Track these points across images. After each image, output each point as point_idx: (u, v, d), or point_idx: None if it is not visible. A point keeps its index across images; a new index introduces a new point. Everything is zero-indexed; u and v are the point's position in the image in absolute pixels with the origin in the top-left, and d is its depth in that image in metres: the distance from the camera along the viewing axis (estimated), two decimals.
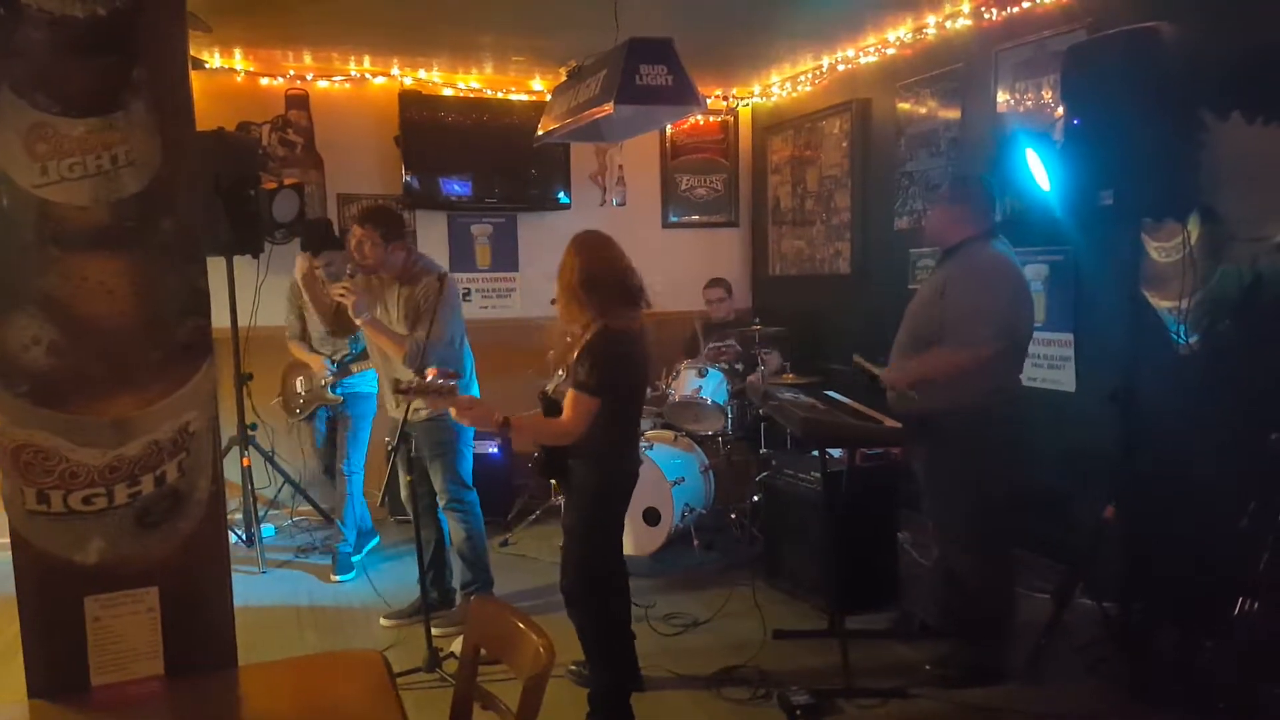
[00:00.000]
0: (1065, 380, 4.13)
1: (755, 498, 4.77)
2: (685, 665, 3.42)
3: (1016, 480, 3.36)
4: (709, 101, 6.36)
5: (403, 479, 3.76)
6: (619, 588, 3.05)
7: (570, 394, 2.80)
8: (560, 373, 2.95)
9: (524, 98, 5.94)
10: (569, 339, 2.85)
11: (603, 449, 2.87)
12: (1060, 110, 3.70)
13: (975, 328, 3.12)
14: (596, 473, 2.90)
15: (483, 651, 1.83)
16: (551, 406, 2.89)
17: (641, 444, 4.12)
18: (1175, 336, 3.47)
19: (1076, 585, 3.34)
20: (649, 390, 3.15)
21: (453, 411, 2.82)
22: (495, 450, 5.30)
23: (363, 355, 4.48)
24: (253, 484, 4.82)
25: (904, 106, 5.08)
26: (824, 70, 5.74)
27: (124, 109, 1.73)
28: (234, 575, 1.93)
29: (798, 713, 3.01)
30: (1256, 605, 2.71)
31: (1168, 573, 3.21)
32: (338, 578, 4.55)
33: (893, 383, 3.36)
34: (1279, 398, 3.01)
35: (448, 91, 5.82)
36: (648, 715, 2.99)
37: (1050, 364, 4.20)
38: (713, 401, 4.84)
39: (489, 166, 5.84)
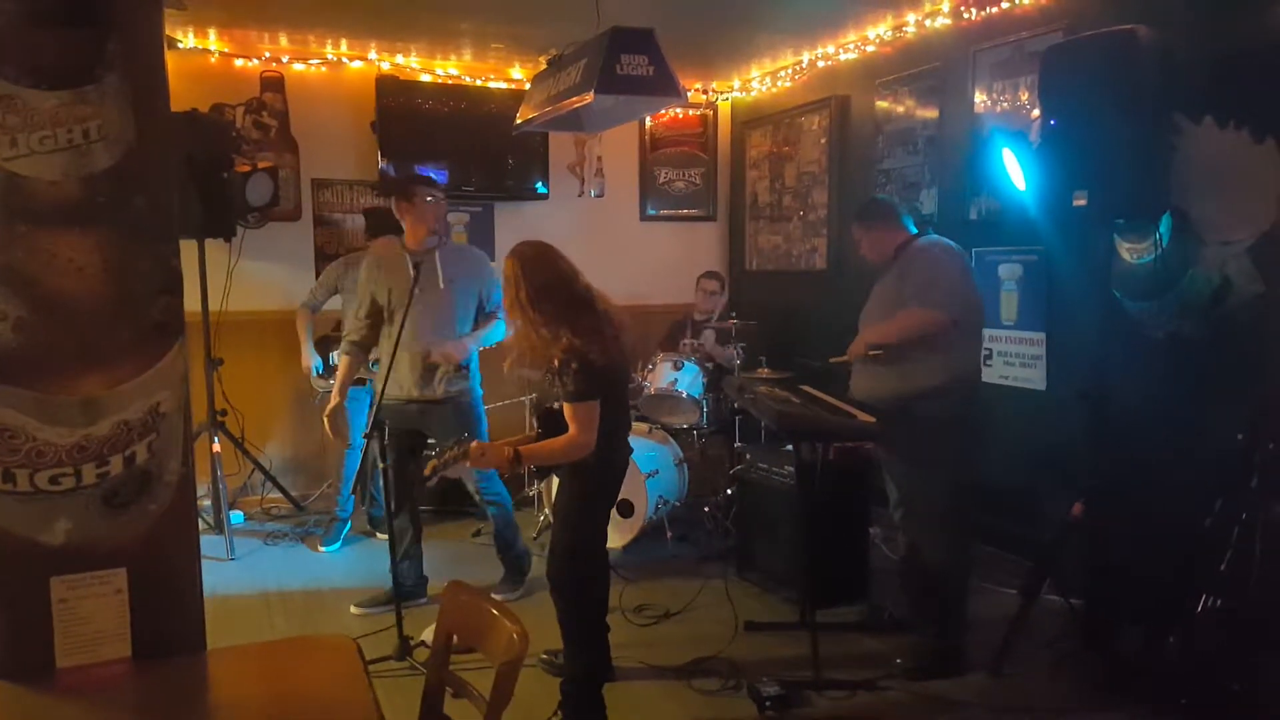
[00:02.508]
0: (1036, 379, 4.18)
1: (729, 491, 4.78)
2: (657, 656, 3.43)
3: (977, 468, 3.40)
4: (689, 94, 6.36)
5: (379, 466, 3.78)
6: (602, 575, 3.07)
7: (567, 408, 2.77)
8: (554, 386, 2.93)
9: (503, 86, 5.91)
10: (529, 344, 2.84)
11: (603, 453, 2.86)
12: (1037, 111, 3.74)
13: (935, 294, 3.24)
14: (589, 461, 2.88)
15: (455, 639, 1.82)
16: (550, 420, 2.87)
17: None
18: (1145, 337, 3.52)
19: (1044, 581, 3.38)
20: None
21: (467, 463, 2.81)
22: None
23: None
24: (222, 470, 4.76)
25: (882, 104, 5.11)
26: (804, 66, 5.76)
27: (96, 83, 1.69)
28: (202, 562, 1.90)
29: (767, 704, 3.02)
30: (1219, 602, 2.76)
31: (1134, 569, 3.26)
32: (324, 548, 4.67)
33: (853, 350, 3.41)
34: (1245, 398, 3.06)
35: (425, 78, 5.77)
36: (619, 705, 3.00)
37: (1022, 362, 4.25)
38: (688, 395, 4.85)
39: (466, 155, 5.79)
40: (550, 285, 2.82)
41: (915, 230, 3.49)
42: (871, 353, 3.32)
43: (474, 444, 2.80)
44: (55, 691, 1.65)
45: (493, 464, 2.84)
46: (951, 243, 3.44)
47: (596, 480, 2.94)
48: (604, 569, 3.09)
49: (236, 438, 5.03)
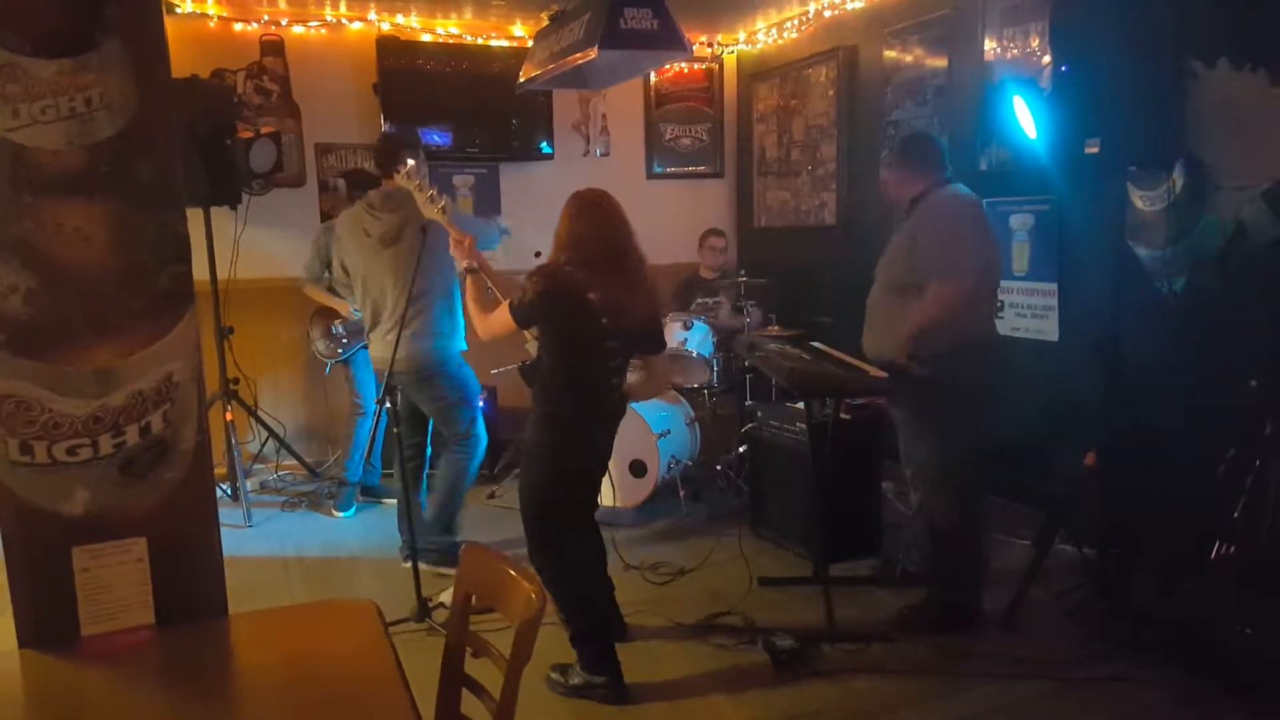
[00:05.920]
0: (1048, 330, 4.16)
1: (741, 449, 4.80)
2: (672, 613, 3.46)
3: (992, 427, 3.39)
4: (694, 48, 6.25)
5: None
6: (575, 547, 2.99)
7: (504, 305, 2.85)
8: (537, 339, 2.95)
9: (505, 44, 5.82)
10: None
11: (554, 409, 2.82)
12: (1048, 57, 3.67)
13: (954, 262, 3.13)
14: (547, 437, 2.83)
15: (473, 600, 1.84)
16: (529, 371, 2.91)
17: None
18: (1158, 285, 3.49)
19: (1057, 532, 3.39)
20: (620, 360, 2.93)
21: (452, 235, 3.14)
22: (482, 403, 5.29)
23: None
24: (236, 438, 4.80)
25: (891, 54, 5.02)
26: (810, 16, 5.66)
27: (96, 49, 1.67)
28: (221, 529, 1.92)
29: (783, 657, 3.06)
30: (1232, 550, 2.77)
31: (1147, 519, 3.26)
32: (339, 513, 4.71)
33: (900, 355, 3.20)
34: (1258, 345, 3.04)
35: (426, 38, 5.69)
36: (635, 661, 3.03)
37: (1034, 313, 4.22)
38: (698, 354, 4.85)
39: (469, 116, 5.73)
40: (585, 239, 2.80)
41: (945, 178, 3.30)
42: (910, 356, 3.15)
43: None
44: (81, 658, 1.67)
45: (463, 251, 3.13)
46: (969, 194, 3.30)
47: (555, 460, 2.84)
48: (575, 541, 2.98)
49: (250, 405, 5.05)
